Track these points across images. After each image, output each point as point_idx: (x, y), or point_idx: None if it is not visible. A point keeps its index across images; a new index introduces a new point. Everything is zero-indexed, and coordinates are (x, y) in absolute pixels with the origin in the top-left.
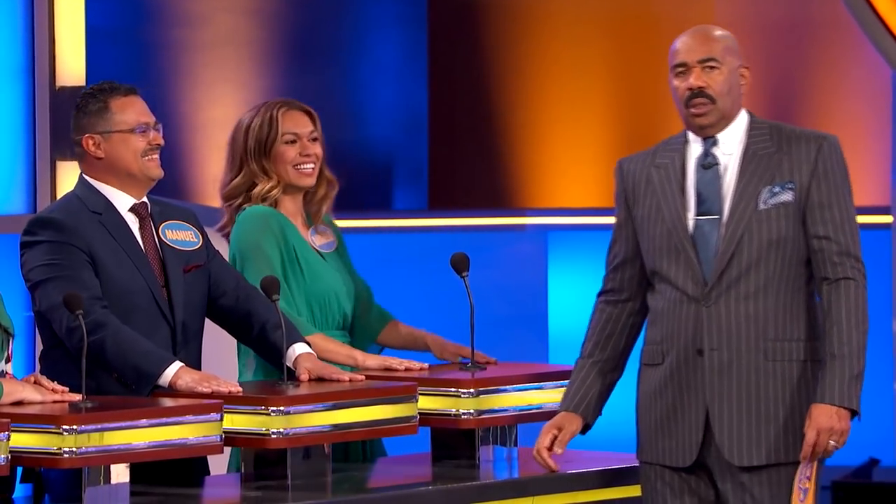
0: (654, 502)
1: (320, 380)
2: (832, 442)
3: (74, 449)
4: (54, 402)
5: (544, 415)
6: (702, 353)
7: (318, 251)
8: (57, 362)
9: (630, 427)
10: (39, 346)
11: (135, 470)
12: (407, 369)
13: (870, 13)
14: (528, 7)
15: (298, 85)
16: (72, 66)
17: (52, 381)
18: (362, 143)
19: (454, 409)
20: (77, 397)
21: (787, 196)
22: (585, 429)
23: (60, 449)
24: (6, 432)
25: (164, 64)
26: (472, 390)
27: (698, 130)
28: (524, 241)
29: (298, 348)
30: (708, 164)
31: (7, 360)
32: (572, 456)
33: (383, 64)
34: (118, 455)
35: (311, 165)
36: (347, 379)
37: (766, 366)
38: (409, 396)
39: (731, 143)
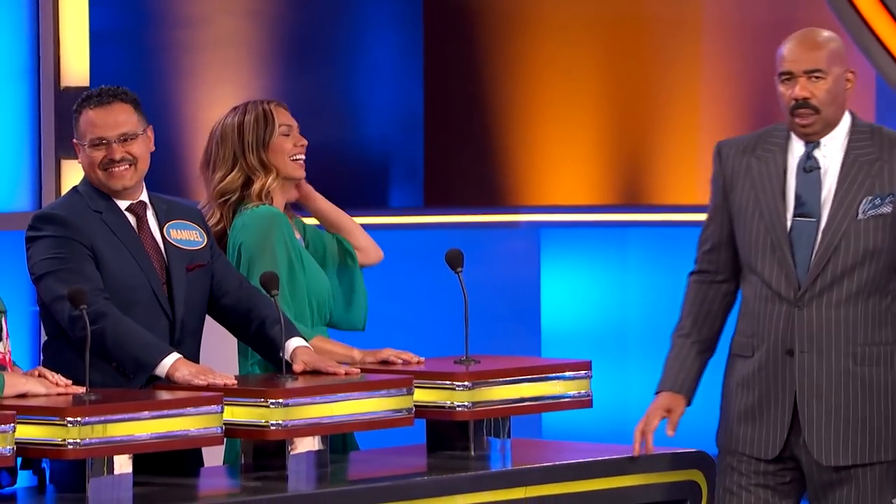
0: (730, 488)
1: (317, 372)
2: None
3: (78, 440)
4: (58, 394)
5: (537, 407)
6: (792, 354)
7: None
8: (59, 353)
9: (620, 419)
10: (44, 339)
11: (137, 461)
12: (405, 363)
13: (854, 16)
14: (522, 9)
15: (297, 85)
16: (76, 67)
17: (56, 374)
18: (359, 142)
19: (449, 402)
20: (80, 390)
21: (887, 209)
22: (689, 403)
23: (65, 440)
24: (11, 424)
25: (165, 65)
26: (466, 383)
27: (803, 137)
28: (517, 238)
29: (295, 342)
30: (809, 167)
31: (2, 339)
32: (564, 447)
33: (380, 64)
34: (121, 446)
35: (303, 157)
36: (343, 372)
37: (856, 370)
38: (404, 389)
39: (833, 146)
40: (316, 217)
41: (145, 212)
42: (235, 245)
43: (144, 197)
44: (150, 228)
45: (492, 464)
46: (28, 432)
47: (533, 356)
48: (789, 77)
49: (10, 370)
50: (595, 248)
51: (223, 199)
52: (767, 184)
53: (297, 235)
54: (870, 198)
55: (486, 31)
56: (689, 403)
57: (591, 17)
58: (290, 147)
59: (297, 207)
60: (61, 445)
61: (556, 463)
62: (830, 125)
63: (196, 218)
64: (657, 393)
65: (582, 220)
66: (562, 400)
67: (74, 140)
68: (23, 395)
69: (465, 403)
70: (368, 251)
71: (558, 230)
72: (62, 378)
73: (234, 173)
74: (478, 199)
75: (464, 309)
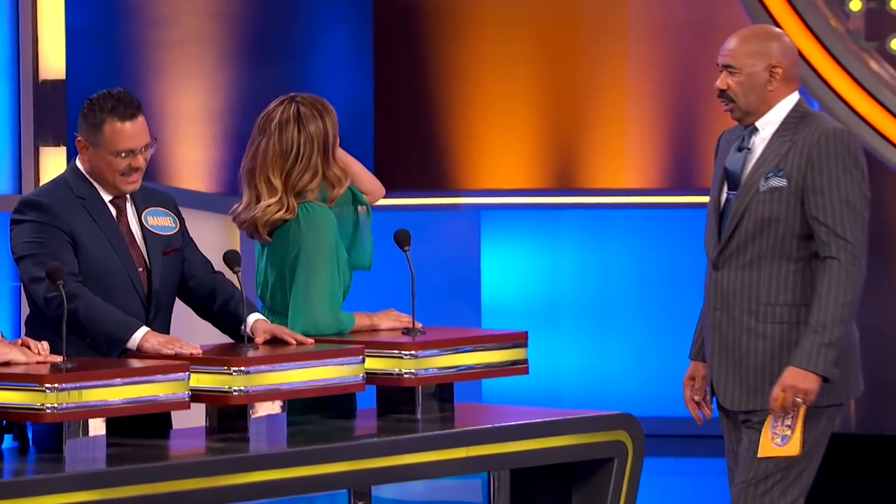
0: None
1: (276, 343)
2: (798, 399)
3: (56, 405)
4: (38, 363)
5: (478, 374)
6: (710, 310)
7: None
8: (39, 330)
9: (553, 384)
10: (24, 313)
11: (110, 424)
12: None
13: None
14: (463, 10)
15: (256, 80)
16: (53, 62)
17: (40, 343)
18: None
19: (397, 369)
20: (58, 359)
21: (779, 182)
22: None
23: (43, 405)
24: None
25: (136, 61)
26: (413, 352)
27: (735, 121)
28: (459, 219)
29: (255, 316)
30: (741, 147)
31: None
32: (502, 410)
33: (332, 60)
34: (95, 410)
35: None
36: (294, 342)
37: (757, 327)
38: (357, 357)
39: (768, 130)
40: None
41: (125, 203)
42: (294, 241)
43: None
44: (127, 218)
45: (436, 426)
46: (9, 397)
47: (474, 327)
48: (719, 68)
49: None
50: (530, 228)
51: (299, 194)
52: (720, 163)
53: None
54: (769, 173)
55: (431, 30)
56: None
57: (527, 18)
58: (338, 153)
59: None
60: (40, 410)
61: (495, 425)
62: (753, 112)
63: (170, 204)
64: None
65: (518, 202)
66: (500, 367)
67: (81, 138)
68: (6, 364)
69: (412, 371)
70: (375, 193)
71: (497, 212)
72: (44, 346)
73: (316, 179)
74: (423, 184)
75: (411, 284)
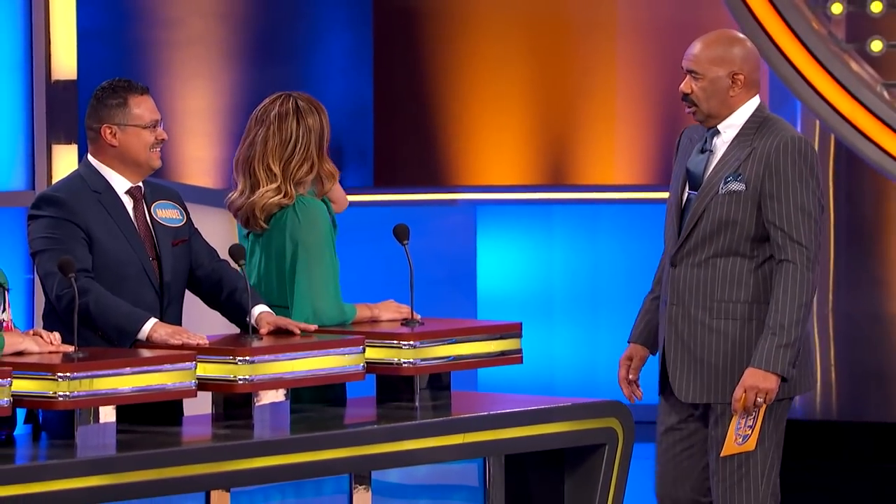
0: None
1: (279, 330)
2: (759, 399)
3: (68, 393)
4: (50, 352)
5: (474, 363)
6: (666, 305)
7: None
8: (55, 323)
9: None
10: (38, 305)
11: (120, 411)
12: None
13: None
14: (460, 12)
15: (260, 79)
16: (65, 62)
17: (52, 333)
18: None
19: (396, 359)
20: (70, 349)
21: (737, 186)
22: (653, 352)
23: (56, 393)
24: (8, 378)
25: (145, 60)
26: (411, 342)
27: (699, 122)
28: (456, 214)
29: (259, 308)
30: (703, 149)
31: (4, 310)
32: (498, 398)
33: (334, 60)
34: (106, 398)
35: None
36: (298, 331)
37: (711, 322)
38: (357, 348)
39: (729, 133)
40: None
41: (142, 194)
42: (291, 235)
43: (140, 181)
44: (144, 209)
45: (434, 413)
46: (23, 386)
47: (470, 318)
48: (683, 71)
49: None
50: (524, 222)
51: (297, 184)
52: (682, 162)
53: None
54: (728, 177)
55: (428, 31)
56: (652, 351)
57: (521, 20)
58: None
59: None
60: (52, 398)
61: (491, 412)
62: (714, 116)
63: (175, 198)
64: (627, 343)
65: (513, 198)
66: (495, 357)
67: (105, 125)
68: (19, 353)
69: (411, 360)
70: (340, 202)
71: (492, 207)
72: (56, 336)
73: (313, 172)
74: (421, 180)
75: (409, 277)
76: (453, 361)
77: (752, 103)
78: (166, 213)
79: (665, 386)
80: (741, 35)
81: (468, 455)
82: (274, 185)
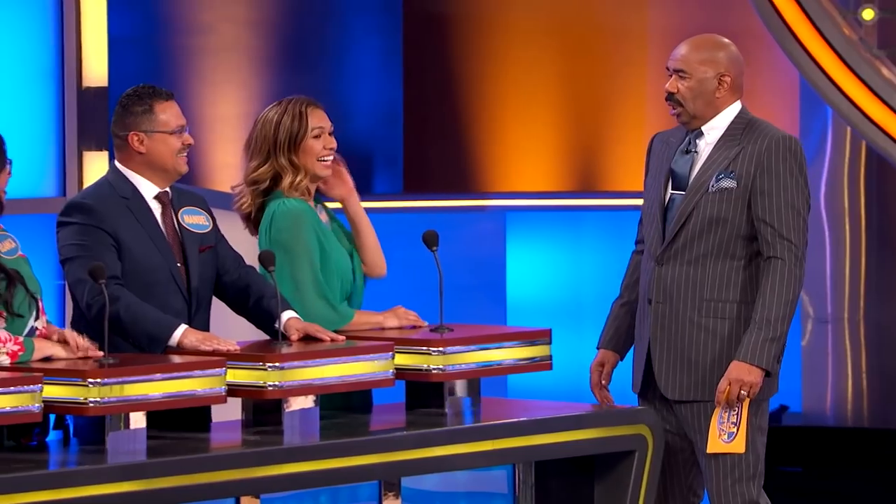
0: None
1: (308, 337)
2: (743, 392)
3: (99, 399)
4: (79, 358)
5: (503, 369)
6: (650, 304)
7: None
8: (84, 329)
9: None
10: (68, 309)
11: (149, 417)
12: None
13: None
14: (490, 18)
15: (291, 85)
16: (96, 69)
17: (80, 337)
18: (346, 135)
19: (426, 365)
20: (99, 353)
21: (729, 183)
22: (622, 357)
23: (86, 399)
24: (39, 384)
25: (175, 67)
26: (441, 349)
27: (681, 124)
28: (486, 220)
29: (288, 314)
30: (687, 150)
31: (38, 318)
32: (527, 405)
33: (365, 66)
34: (136, 404)
35: (331, 158)
36: (329, 338)
37: (700, 320)
38: (387, 354)
39: (713, 135)
40: (346, 214)
41: (169, 200)
42: (269, 238)
43: (168, 187)
44: (172, 215)
45: (464, 420)
46: (54, 392)
47: (499, 325)
48: (668, 72)
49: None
50: (554, 229)
51: (254, 186)
52: (661, 164)
53: (325, 218)
54: (717, 174)
55: (458, 37)
56: (622, 356)
57: (552, 26)
58: (319, 149)
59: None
60: (83, 404)
61: (520, 419)
62: (699, 117)
63: (202, 204)
64: (597, 349)
65: (542, 204)
66: (525, 363)
67: (132, 132)
68: (48, 358)
69: (440, 367)
70: (372, 268)
71: (522, 213)
72: (83, 341)
73: (265, 167)
74: (451, 186)
75: (439, 283)
76: (483, 368)
77: (735, 107)
78: (193, 220)
79: (646, 385)
80: (727, 40)
81: (497, 462)
82: (246, 199)
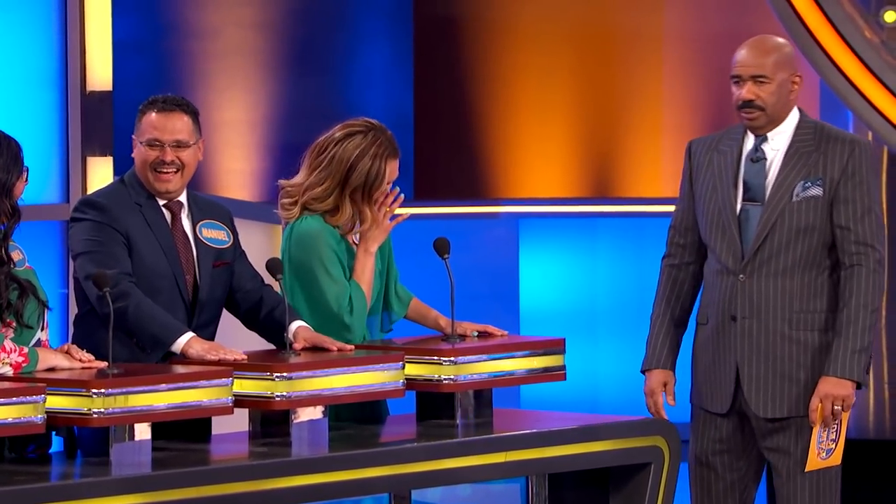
0: (696, 437)
1: (315, 348)
2: (836, 407)
3: (103, 410)
4: (82, 368)
5: (516, 380)
6: (735, 320)
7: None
8: (89, 327)
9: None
10: (72, 318)
11: (152, 427)
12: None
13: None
14: (502, 21)
15: (298, 89)
16: (100, 73)
17: (82, 349)
18: None
19: (436, 375)
20: (102, 364)
21: (817, 191)
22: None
23: (90, 410)
24: (43, 395)
25: (181, 72)
26: (452, 359)
27: (751, 130)
28: (498, 227)
29: (297, 323)
30: (756, 158)
31: (43, 329)
32: (541, 416)
33: (374, 71)
34: (141, 415)
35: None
36: (336, 348)
37: (791, 333)
38: (397, 364)
39: (780, 140)
40: (357, 248)
41: (180, 210)
42: (288, 256)
43: (182, 197)
44: (182, 225)
45: (475, 431)
46: (57, 402)
47: (512, 334)
48: (738, 80)
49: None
50: (568, 236)
51: (307, 200)
52: (724, 173)
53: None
54: (802, 182)
55: (470, 41)
56: (674, 373)
57: (565, 29)
58: (383, 199)
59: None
60: (87, 414)
61: (534, 430)
62: (775, 121)
63: (226, 218)
64: (645, 371)
65: (556, 211)
66: (538, 373)
67: (134, 136)
68: (51, 369)
69: (451, 377)
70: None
71: (535, 220)
72: (86, 354)
73: (332, 198)
74: (462, 193)
75: (450, 291)
76: (495, 378)
77: (796, 108)
78: (212, 234)
79: (731, 404)
80: (781, 38)
81: (510, 474)
82: (294, 209)
